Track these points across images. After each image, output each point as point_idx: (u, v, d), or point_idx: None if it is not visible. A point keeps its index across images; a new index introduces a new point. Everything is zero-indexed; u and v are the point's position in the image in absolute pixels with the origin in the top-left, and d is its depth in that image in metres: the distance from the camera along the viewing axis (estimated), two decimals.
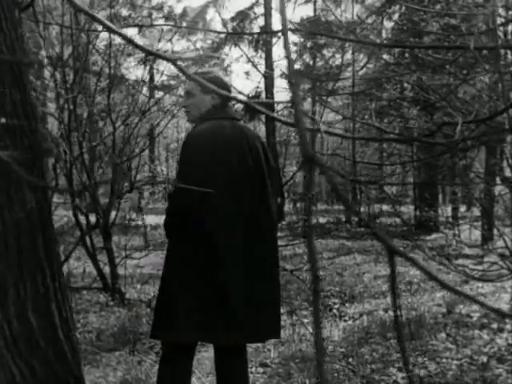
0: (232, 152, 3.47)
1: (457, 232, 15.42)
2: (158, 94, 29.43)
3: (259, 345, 5.90)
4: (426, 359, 5.61)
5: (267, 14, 23.32)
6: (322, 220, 21.06)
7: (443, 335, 6.35)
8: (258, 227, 3.49)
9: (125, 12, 30.01)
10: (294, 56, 32.44)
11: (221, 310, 3.36)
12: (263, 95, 22.87)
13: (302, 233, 18.52)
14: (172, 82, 32.28)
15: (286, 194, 19.40)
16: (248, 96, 22.72)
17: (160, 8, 32.45)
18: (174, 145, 36.27)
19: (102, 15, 26.94)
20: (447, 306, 7.66)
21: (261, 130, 24.02)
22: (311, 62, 29.49)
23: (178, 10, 29.14)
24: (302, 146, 0.87)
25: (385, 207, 21.48)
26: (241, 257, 3.41)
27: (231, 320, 3.37)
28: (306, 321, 7.33)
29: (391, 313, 7.41)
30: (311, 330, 6.17)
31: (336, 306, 8.03)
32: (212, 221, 3.38)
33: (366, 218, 20.16)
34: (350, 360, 5.57)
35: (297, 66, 30.99)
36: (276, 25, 22.50)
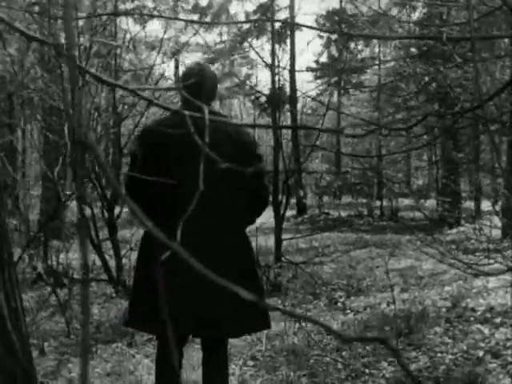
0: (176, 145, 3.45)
1: (477, 226, 15.25)
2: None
3: (254, 338, 5.91)
4: (419, 353, 5.58)
5: (290, 7, 23.30)
6: (343, 213, 20.99)
7: (442, 329, 6.30)
8: (210, 219, 3.47)
9: (150, 4, 30.13)
10: (320, 48, 32.37)
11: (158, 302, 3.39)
12: (287, 88, 22.83)
13: (323, 226, 18.49)
14: None
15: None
16: (269, 89, 22.66)
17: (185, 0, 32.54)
18: None
19: (127, 7, 27.13)
20: (453, 300, 7.60)
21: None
22: (337, 55, 29.36)
23: (204, 2, 29.02)
24: (76, 130, 0.86)
25: (409, 201, 21.34)
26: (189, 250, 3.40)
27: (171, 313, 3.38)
28: (309, 314, 7.33)
29: (393, 306, 7.36)
30: (303, 324, 6.14)
31: (341, 299, 8.00)
32: (163, 213, 3.40)
33: (389, 211, 20.05)
34: (344, 353, 5.55)
35: (323, 59, 30.94)
36: (299, 17, 22.42)
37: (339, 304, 7.77)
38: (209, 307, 3.41)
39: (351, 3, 26.46)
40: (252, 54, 28.66)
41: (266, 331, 5.82)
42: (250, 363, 5.26)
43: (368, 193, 21.46)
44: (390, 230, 16.77)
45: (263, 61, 16.94)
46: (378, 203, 20.92)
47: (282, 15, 23.73)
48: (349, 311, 7.35)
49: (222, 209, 3.49)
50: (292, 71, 23.12)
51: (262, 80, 29.68)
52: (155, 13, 28.88)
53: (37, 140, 11.43)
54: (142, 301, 3.44)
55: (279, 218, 8.44)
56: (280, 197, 8.64)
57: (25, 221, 8.71)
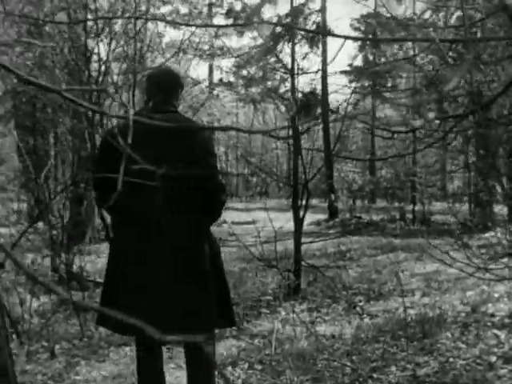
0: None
1: (507, 231, 15.08)
2: (218, 91, 29.72)
3: (265, 342, 5.93)
4: (431, 358, 5.55)
5: (322, 10, 23.25)
6: (375, 217, 20.86)
7: (457, 334, 6.25)
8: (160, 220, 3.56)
9: (184, 9, 30.34)
10: (354, 51, 32.24)
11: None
12: (319, 91, 22.79)
13: (354, 230, 18.41)
14: (231, 80, 32.51)
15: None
16: (303, 92, 22.69)
17: (220, 4, 32.68)
18: (233, 141, 36.46)
19: (162, 11, 27.33)
20: (473, 305, 7.53)
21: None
22: (371, 58, 29.22)
23: (238, 6, 29.11)
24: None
25: (443, 205, 21.15)
26: (143, 250, 3.53)
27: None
28: (327, 318, 7.33)
29: (412, 311, 7.32)
30: (311, 328, 6.13)
31: (361, 304, 7.97)
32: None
33: (421, 216, 19.88)
34: (354, 358, 5.54)
35: (357, 62, 30.80)
36: (331, 20, 22.37)
37: (358, 308, 7.74)
38: (160, 307, 3.51)
39: (384, 7, 26.45)
40: (287, 58, 28.66)
41: (275, 335, 5.85)
42: (258, 367, 5.26)
43: (401, 197, 21.32)
44: (421, 235, 16.63)
45: (284, 66, 16.93)
46: (410, 207, 20.77)
47: (314, 19, 23.68)
48: (365, 315, 7.32)
49: (176, 206, 3.56)
50: (324, 75, 23.06)
51: (299, 84, 29.58)
52: (189, 17, 29.10)
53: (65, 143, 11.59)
54: (112, 300, 3.56)
55: (298, 221, 8.43)
56: (300, 201, 8.63)
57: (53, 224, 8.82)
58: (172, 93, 3.80)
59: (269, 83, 31.49)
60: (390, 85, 28.17)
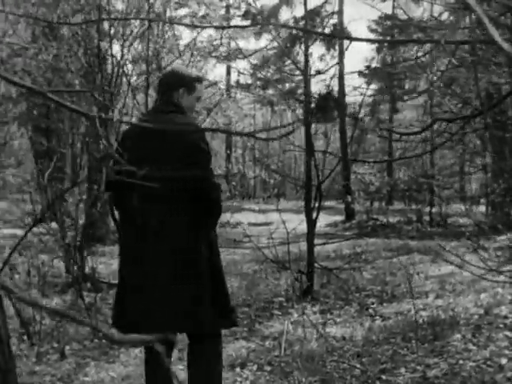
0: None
1: None
2: (236, 93, 29.78)
3: (274, 343, 5.94)
4: (441, 360, 5.53)
5: (339, 12, 23.24)
6: (392, 219, 20.79)
7: (469, 336, 6.22)
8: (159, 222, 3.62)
9: (202, 12, 30.41)
10: (372, 53, 32.16)
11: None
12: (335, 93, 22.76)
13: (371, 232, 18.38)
14: (249, 81, 32.55)
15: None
16: (319, 94, 22.65)
17: (238, 6, 32.76)
18: (250, 142, 36.46)
19: (180, 13, 27.38)
20: (486, 307, 7.49)
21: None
22: (389, 60, 29.16)
23: (255, 8, 29.17)
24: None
25: (461, 207, 21.02)
26: (140, 251, 3.58)
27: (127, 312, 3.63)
28: (339, 320, 7.32)
29: (424, 313, 7.31)
30: (321, 329, 6.13)
31: (373, 306, 7.96)
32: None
33: (438, 218, 19.80)
34: (364, 360, 5.54)
35: (374, 64, 30.74)
36: (348, 22, 22.32)
37: (370, 310, 7.73)
38: (157, 309, 3.55)
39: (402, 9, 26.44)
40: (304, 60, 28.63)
41: (285, 337, 5.86)
42: (267, 368, 5.27)
43: (418, 199, 21.24)
44: (438, 237, 16.56)
45: (297, 67, 16.93)
46: (428, 209, 20.68)
47: (331, 21, 23.69)
48: (377, 317, 7.30)
49: (170, 207, 3.61)
50: (341, 76, 23.04)
51: (316, 85, 29.59)
52: (205, 20, 29.14)
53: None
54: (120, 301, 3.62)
55: (311, 223, 8.43)
56: (313, 202, 8.63)
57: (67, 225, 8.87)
58: (173, 93, 3.84)
59: (286, 85, 31.55)
60: (407, 87, 28.17)
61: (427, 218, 20.19)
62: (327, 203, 30.95)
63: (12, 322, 6.13)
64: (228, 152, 31.66)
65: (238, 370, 5.15)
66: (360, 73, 27.36)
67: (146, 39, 22.09)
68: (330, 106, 21.24)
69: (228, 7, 33.84)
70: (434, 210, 20.01)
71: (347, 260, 11.59)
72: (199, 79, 4.00)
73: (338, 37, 22.11)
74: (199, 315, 3.60)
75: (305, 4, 22.95)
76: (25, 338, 5.73)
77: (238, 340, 6.20)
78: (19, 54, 8.91)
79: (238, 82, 33.70)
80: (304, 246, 9.74)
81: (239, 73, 33.67)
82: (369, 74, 32.46)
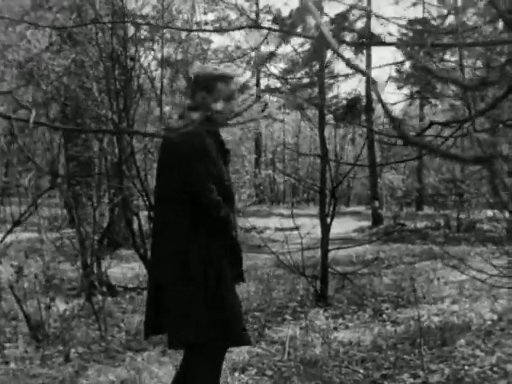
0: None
1: None
2: (267, 99, 29.80)
3: (278, 348, 5.95)
4: (446, 365, 5.49)
5: (367, 16, 23.13)
6: (420, 224, 20.63)
7: (478, 342, 6.17)
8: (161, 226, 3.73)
9: (233, 16, 30.55)
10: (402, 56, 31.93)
11: None
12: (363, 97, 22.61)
13: (398, 237, 18.27)
14: (278, 85, 32.56)
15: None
16: (346, 98, 22.54)
17: (268, 11, 32.81)
18: (280, 148, 36.45)
19: (208, 18, 27.29)
20: (501, 313, 7.43)
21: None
22: (419, 63, 28.93)
23: (286, 12, 29.20)
24: None
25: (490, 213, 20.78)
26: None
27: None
28: (350, 324, 7.30)
29: (436, 319, 7.26)
30: (325, 335, 6.12)
31: (387, 311, 7.92)
32: None
33: (467, 223, 19.61)
34: (368, 364, 5.52)
35: (405, 68, 30.50)
36: (377, 26, 22.19)
37: (384, 316, 7.69)
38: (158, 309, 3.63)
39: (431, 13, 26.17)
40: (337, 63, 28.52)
41: (288, 342, 5.86)
42: (268, 373, 5.28)
43: (447, 204, 21.06)
44: (465, 242, 16.41)
45: (319, 72, 16.83)
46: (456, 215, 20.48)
47: (359, 24, 23.55)
48: (389, 323, 7.27)
49: (166, 211, 3.71)
50: (368, 81, 22.91)
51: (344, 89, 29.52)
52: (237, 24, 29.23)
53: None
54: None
55: (325, 228, 8.42)
56: (327, 208, 8.61)
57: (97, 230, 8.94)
58: (195, 95, 3.86)
59: (316, 89, 31.44)
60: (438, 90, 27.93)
61: (455, 223, 20.02)
62: (355, 208, 30.92)
63: (21, 325, 6.23)
64: (256, 156, 31.65)
65: (236, 374, 5.16)
66: (390, 77, 27.21)
67: (177, 44, 22.24)
68: (358, 110, 21.10)
69: (258, 12, 34.01)
70: (462, 215, 19.82)
71: (365, 265, 11.55)
72: (221, 77, 3.84)
73: (366, 44, 21.95)
74: (177, 322, 3.59)
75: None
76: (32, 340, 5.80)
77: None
78: (36, 58, 9.03)
79: (268, 85, 33.70)
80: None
81: (269, 77, 33.71)
82: (400, 78, 32.28)
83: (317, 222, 17.30)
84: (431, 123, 4.16)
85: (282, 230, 19.27)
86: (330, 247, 8.91)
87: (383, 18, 4.60)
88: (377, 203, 20.61)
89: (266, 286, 9.09)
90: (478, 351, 5.86)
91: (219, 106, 3.81)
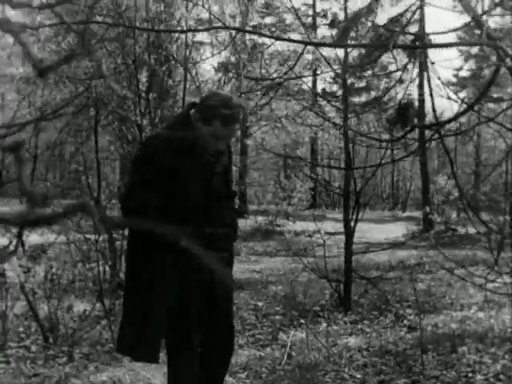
0: None
1: None
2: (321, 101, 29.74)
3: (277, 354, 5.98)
4: (451, 372, 5.43)
5: (421, 20, 22.89)
6: (472, 230, 20.29)
7: (491, 349, 6.07)
8: None
9: (289, 19, 30.76)
10: (459, 61, 31.61)
11: None
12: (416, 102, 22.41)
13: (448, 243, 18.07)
14: (334, 89, 32.50)
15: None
16: (399, 103, 22.35)
17: (324, 15, 32.85)
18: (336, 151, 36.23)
19: (265, 21, 27.43)
20: None
21: None
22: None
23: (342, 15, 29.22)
24: None
25: None
26: None
27: None
28: (368, 330, 7.26)
29: (453, 325, 7.17)
30: (323, 341, 6.10)
31: (410, 317, 7.83)
32: None
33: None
34: (369, 370, 5.50)
35: (463, 73, 30.27)
36: (431, 30, 22.00)
37: (405, 321, 7.62)
38: None
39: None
40: (392, 67, 28.31)
41: (288, 345, 5.88)
42: (263, 376, 5.30)
43: (502, 209, 20.69)
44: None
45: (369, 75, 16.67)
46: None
47: (413, 29, 23.34)
48: (405, 329, 7.20)
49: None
50: (421, 85, 22.70)
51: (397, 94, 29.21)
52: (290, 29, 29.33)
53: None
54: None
55: (349, 232, 8.39)
56: (351, 213, 8.57)
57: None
58: (189, 113, 3.84)
59: (372, 93, 31.29)
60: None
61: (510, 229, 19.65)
62: (412, 214, 30.57)
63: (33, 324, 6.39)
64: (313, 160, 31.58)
65: (229, 378, 5.18)
66: (447, 82, 26.92)
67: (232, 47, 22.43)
68: (410, 115, 20.88)
69: (314, 16, 34.07)
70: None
71: (411, 270, 11.49)
72: (225, 119, 3.65)
73: (419, 47, 21.76)
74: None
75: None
76: (39, 341, 5.94)
77: (249, 348, 6.22)
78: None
79: (324, 90, 33.73)
80: (373, 255, 9.76)
81: (325, 81, 33.76)
82: (459, 82, 31.94)
83: (367, 226, 17.24)
84: (413, 127, 4.13)
85: (334, 234, 19.26)
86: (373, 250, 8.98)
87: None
88: (428, 208, 20.37)
89: (291, 289, 9.08)
90: (486, 358, 5.77)
91: (213, 140, 3.70)
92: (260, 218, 21.95)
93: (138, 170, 3.70)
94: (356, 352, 6.06)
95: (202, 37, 27.57)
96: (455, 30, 4.70)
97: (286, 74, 8.37)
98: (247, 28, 22.54)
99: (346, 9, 9.80)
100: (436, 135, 4.66)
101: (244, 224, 22.75)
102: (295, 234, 19.49)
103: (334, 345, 6.22)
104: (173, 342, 3.71)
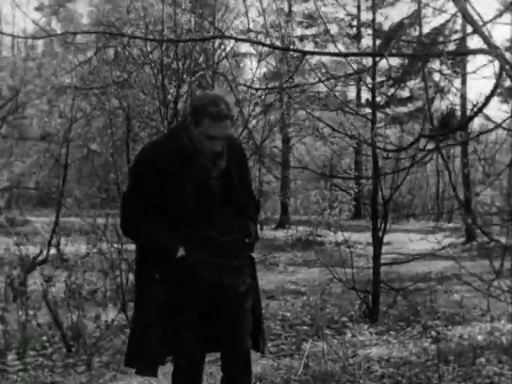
0: None
1: None
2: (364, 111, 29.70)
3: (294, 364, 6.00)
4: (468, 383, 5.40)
5: (463, 30, 22.71)
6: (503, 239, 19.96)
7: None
8: None
9: (334, 30, 30.86)
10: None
11: None
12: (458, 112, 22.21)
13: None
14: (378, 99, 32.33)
15: None
16: (442, 114, 22.17)
17: (369, 25, 32.77)
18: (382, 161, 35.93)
19: (307, 33, 27.28)
20: None
21: None
22: None
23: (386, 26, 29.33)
24: None
25: None
26: None
27: None
28: (394, 341, 7.23)
29: (479, 337, 7.11)
30: (339, 352, 6.11)
31: (438, 328, 7.77)
32: None
33: None
34: (385, 381, 5.49)
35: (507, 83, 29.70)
36: (472, 41, 21.80)
37: (433, 333, 7.56)
38: None
39: None
40: (437, 77, 28.06)
41: (306, 355, 5.90)
42: None
43: None
44: None
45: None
46: None
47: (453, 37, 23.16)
48: (429, 340, 7.15)
49: None
50: (463, 95, 22.46)
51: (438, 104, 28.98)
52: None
53: None
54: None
55: (377, 243, 8.37)
56: (380, 223, 8.55)
57: None
58: (186, 117, 3.94)
59: (418, 103, 31.01)
60: None
61: None
62: (457, 225, 30.20)
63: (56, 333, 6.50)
64: (356, 172, 31.40)
65: None
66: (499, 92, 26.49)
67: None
68: (453, 124, 20.73)
69: (359, 27, 33.99)
70: None
71: (438, 280, 11.39)
72: (212, 116, 3.63)
73: (460, 53, 21.56)
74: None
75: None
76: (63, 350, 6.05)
77: (266, 358, 6.23)
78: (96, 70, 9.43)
79: (367, 100, 33.51)
80: (412, 266, 9.66)
81: (368, 91, 33.49)
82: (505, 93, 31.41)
83: (410, 236, 17.04)
84: (420, 136, 4.15)
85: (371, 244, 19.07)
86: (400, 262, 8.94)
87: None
88: (470, 219, 20.12)
89: (321, 300, 9.08)
90: (506, 370, 5.72)
91: (206, 140, 3.69)
92: (301, 229, 21.93)
93: (133, 175, 3.78)
94: (375, 363, 6.05)
95: (246, 48, 27.78)
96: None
97: (289, 80, 8.27)
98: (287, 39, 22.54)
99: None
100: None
101: (285, 234, 22.79)
102: (336, 245, 19.39)
103: (353, 355, 6.22)
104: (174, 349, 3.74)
